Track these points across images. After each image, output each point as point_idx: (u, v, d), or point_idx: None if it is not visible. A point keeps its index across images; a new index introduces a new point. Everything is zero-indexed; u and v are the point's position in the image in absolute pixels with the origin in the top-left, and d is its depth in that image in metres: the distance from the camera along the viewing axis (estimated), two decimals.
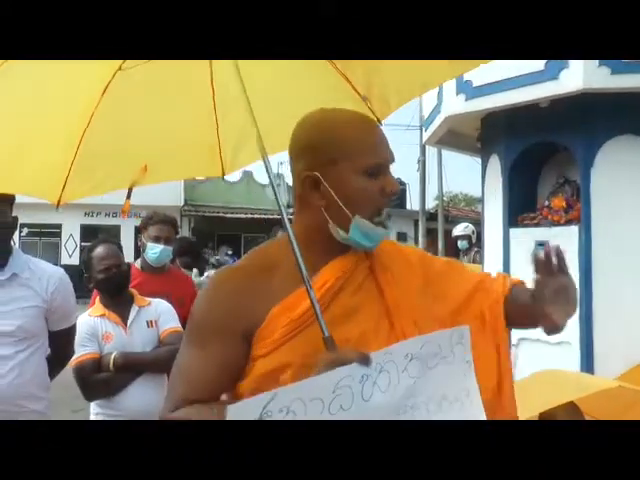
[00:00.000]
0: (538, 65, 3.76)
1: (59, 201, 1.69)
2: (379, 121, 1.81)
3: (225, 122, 1.82)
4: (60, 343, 2.32)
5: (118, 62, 1.57)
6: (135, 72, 1.54)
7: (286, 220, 1.23)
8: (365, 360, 0.99)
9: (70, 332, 2.35)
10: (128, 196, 1.85)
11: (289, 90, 1.79)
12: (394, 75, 1.72)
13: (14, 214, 2.23)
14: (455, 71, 1.97)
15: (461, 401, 1.12)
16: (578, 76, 3.73)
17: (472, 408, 1.13)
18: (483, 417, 1.13)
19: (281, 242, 1.22)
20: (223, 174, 1.94)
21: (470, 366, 1.14)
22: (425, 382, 1.08)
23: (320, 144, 1.17)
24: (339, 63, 1.75)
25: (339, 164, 1.15)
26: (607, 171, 4.12)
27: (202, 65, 1.70)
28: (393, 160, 1.21)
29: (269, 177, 1.41)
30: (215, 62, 1.70)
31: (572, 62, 3.75)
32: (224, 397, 1.16)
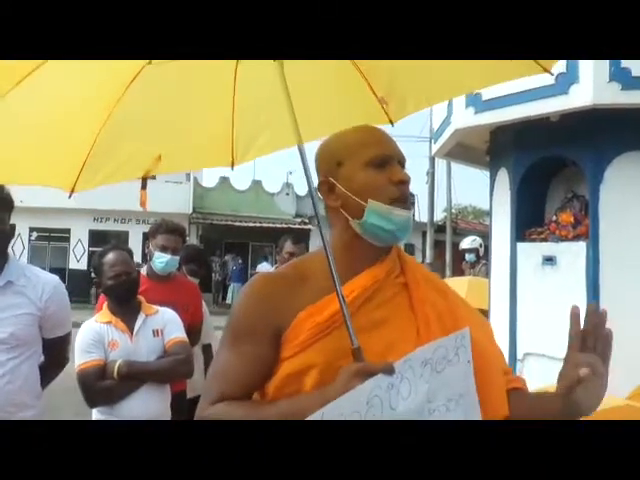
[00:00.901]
0: (548, 79, 3.76)
1: (72, 190, 1.74)
2: (391, 123, 1.87)
3: (242, 118, 1.86)
4: (54, 351, 2.31)
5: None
6: (162, 67, 1.57)
7: (322, 228, 1.29)
8: (389, 370, 1.05)
9: (64, 340, 2.33)
10: (143, 186, 1.89)
11: (308, 87, 1.82)
12: (415, 81, 1.75)
13: (13, 221, 2.22)
14: (475, 85, 1.97)
15: (463, 398, 1.17)
16: (588, 91, 3.72)
17: (471, 404, 1.18)
18: (479, 411, 1.18)
19: (318, 253, 1.29)
20: (232, 165, 1.98)
21: (471, 365, 1.19)
22: (436, 386, 1.12)
23: (327, 153, 1.31)
24: (363, 65, 1.77)
25: (346, 164, 1.25)
26: (616, 187, 4.11)
27: (227, 63, 1.74)
28: (402, 157, 1.27)
29: (305, 171, 1.38)
30: (241, 61, 1.74)
31: (582, 77, 3.75)
32: (255, 396, 1.22)
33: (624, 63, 3.61)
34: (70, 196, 1.77)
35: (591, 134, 4.05)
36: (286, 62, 1.56)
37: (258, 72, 1.60)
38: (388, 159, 1.24)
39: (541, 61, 1.58)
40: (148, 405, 2.49)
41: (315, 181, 1.34)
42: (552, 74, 1.63)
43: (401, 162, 1.27)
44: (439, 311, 1.26)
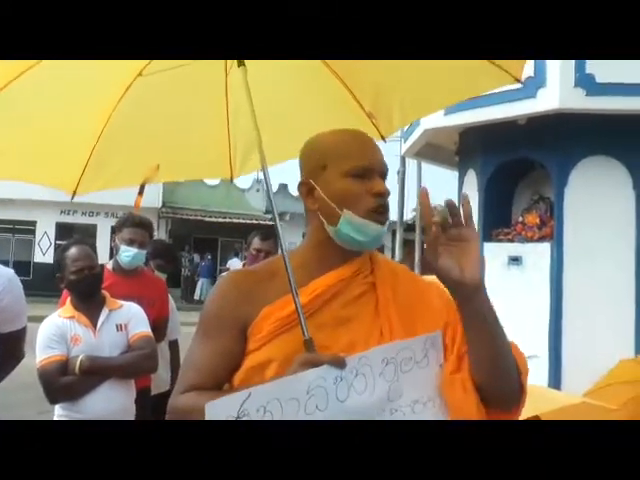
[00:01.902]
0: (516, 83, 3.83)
1: (74, 193, 1.81)
2: (383, 138, 1.89)
3: (236, 128, 1.90)
4: (8, 346, 2.22)
5: (138, 67, 1.66)
6: (154, 78, 1.62)
7: (279, 228, 1.39)
8: (338, 363, 1.08)
9: (19, 335, 2.24)
10: (140, 192, 1.94)
11: (294, 103, 1.86)
12: (400, 94, 1.80)
13: None
14: (458, 95, 2.00)
15: (433, 402, 1.17)
16: (554, 95, 3.80)
17: (441, 409, 1.18)
18: (447, 417, 1.18)
19: (291, 252, 1.32)
20: (232, 178, 2.01)
21: (442, 369, 1.20)
22: (401, 386, 1.14)
23: (311, 154, 1.32)
24: (347, 79, 1.80)
25: (328, 169, 1.27)
26: (580, 190, 4.21)
27: (218, 73, 1.77)
28: (384, 169, 1.29)
29: (268, 189, 1.51)
30: (230, 71, 1.77)
31: (549, 81, 3.83)
32: (226, 387, 1.25)
33: (589, 69, 3.70)
34: (72, 198, 1.84)
35: (557, 138, 4.14)
36: (270, 83, 1.57)
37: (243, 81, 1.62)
38: (369, 171, 1.25)
39: (512, 70, 1.64)
40: (111, 401, 2.46)
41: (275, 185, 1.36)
42: (521, 82, 1.69)
43: (382, 174, 1.28)
44: (406, 313, 1.27)
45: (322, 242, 1.29)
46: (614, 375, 3.21)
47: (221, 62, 1.76)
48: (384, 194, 1.25)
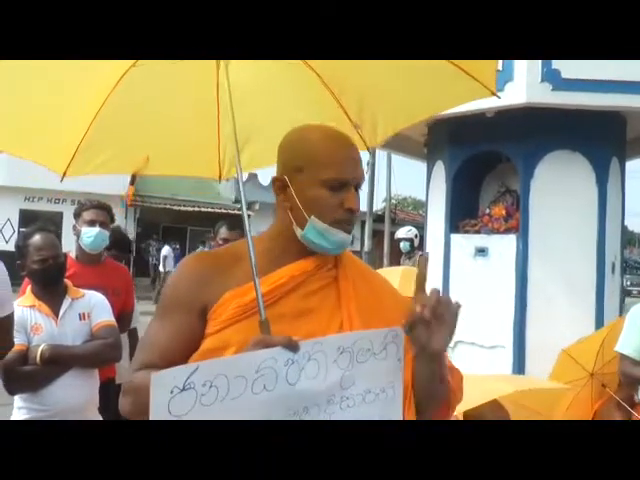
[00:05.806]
0: None
1: (64, 174, 1.79)
2: (368, 149, 1.90)
3: (226, 128, 1.87)
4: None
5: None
6: (148, 69, 1.62)
7: (246, 218, 1.40)
8: (291, 346, 1.08)
9: (3, 323, 2.20)
10: (131, 182, 1.96)
11: (282, 114, 1.85)
12: (384, 105, 1.82)
13: None
14: (441, 106, 2.02)
15: (385, 393, 1.20)
16: (522, 90, 3.84)
17: (393, 400, 1.21)
18: (399, 410, 1.22)
19: (255, 237, 1.33)
20: (220, 178, 2.00)
21: (401, 363, 1.23)
22: (354, 375, 1.15)
23: (291, 151, 1.30)
24: (335, 88, 1.81)
25: (304, 172, 1.26)
26: (546, 183, 4.28)
27: (209, 70, 1.76)
28: (360, 181, 1.30)
29: (240, 188, 1.50)
30: (222, 68, 1.75)
31: (517, 75, 3.87)
32: None
33: (555, 65, 3.75)
34: (62, 180, 1.83)
35: (524, 131, 4.19)
36: (257, 90, 1.57)
37: (238, 77, 1.61)
38: (345, 184, 1.25)
39: (487, 83, 1.68)
40: (74, 391, 2.42)
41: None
42: (498, 96, 1.73)
43: (357, 187, 1.29)
44: (366, 308, 1.29)
45: (288, 232, 1.29)
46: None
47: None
48: (355, 211, 1.26)
